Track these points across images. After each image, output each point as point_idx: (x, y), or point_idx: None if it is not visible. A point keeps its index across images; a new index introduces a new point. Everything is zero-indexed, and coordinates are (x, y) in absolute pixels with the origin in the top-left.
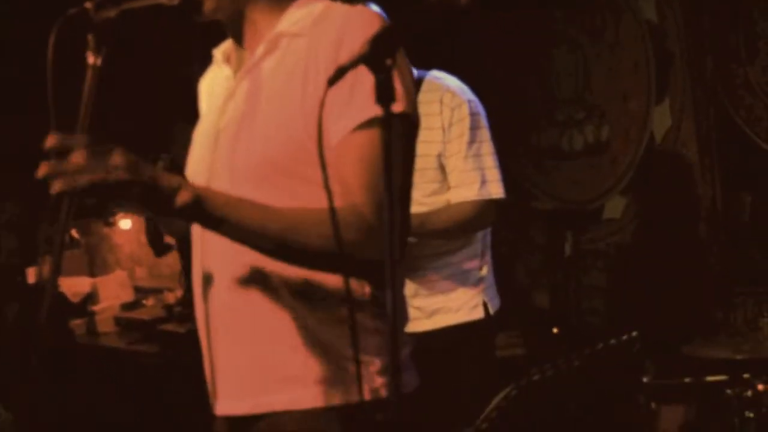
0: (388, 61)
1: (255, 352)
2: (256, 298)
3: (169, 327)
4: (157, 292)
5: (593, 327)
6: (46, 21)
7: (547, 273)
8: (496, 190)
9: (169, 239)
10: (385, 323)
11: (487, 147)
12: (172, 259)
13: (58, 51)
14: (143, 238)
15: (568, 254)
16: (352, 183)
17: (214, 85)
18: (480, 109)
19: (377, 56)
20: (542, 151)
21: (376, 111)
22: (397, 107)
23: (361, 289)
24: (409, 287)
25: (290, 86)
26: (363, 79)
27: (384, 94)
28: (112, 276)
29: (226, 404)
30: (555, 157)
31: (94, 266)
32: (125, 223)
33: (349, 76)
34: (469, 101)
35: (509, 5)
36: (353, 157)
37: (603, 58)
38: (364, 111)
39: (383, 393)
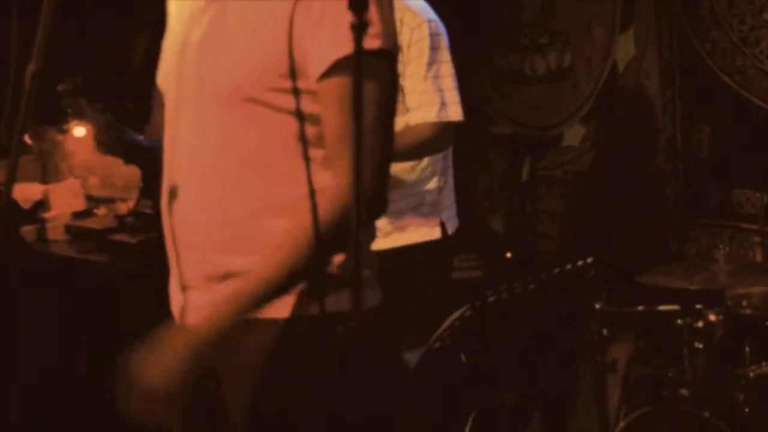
0: None
1: (215, 265)
2: (219, 215)
3: (121, 237)
4: (109, 201)
5: (547, 253)
6: None
7: (504, 197)
8: (455, 112)
9: None
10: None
11: (446, 68)
12: (126, 169)
13: None
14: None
15: (524, 179)
16: (334, 133)
17: None
18: (441, 29)
19: None
20: (503, 75)
21: (373, 44)
22: (375, 43)
23: None
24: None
25: (264, 7)
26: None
27: (358, 2)
28: (65, 184)
29: (192, 315)
30: (516, 82)
31: (47, 173)
32: (79, 130)
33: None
34: (430, 21)
35: None
36: (336, 100)
37: None
38: (345, 45)
39: (343, 306)
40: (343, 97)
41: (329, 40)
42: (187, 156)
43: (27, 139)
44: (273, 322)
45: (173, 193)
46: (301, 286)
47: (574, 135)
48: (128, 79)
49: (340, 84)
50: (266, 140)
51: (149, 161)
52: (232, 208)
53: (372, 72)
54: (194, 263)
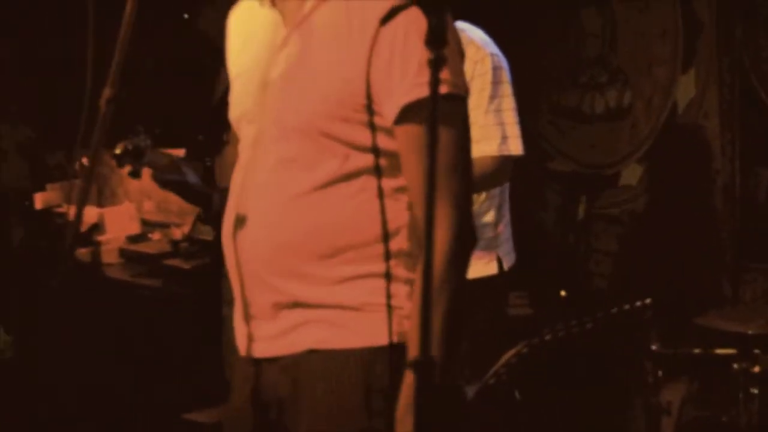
0: (442, 4)
1: (287, 294)
2: (294, 243)
3: (175, 262)
4: (164, 226)
5: (601, 292)
6: None
7: (559, 235)
8: (515, 146)
9: None
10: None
11: (508, 102)
12: None
13: None
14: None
15: (581, 218)
16: (416, 178)
17: (251, 26)
18: (503, 63)
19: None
20: (563, 112)
21: (443, 89)
22: (444, 89)
23: (399, 244)
24: None
25: (344, 38)
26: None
27: (436, 37)
28: (120, 207)
29: (259, 346)
30: (575, 119)
31: (103, 196)
32: None
33: (405, 27)
34: (493, 55)
35: None
36: (413, 146)
37: (631, 22)
38: (414, 89)
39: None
40: (420, 142)
41: (400, 83)
42: (262, 187)
43: (84, 161)
44: (346, 352)
45: (240, 222)
46: (370, 316)
47: (631, 174)
48: (203, 113)
49: (416, 129)
50: (341, 174)
51: (203, 202)
52: (303, 239)
53: (446, 116)
54: (260, 292)
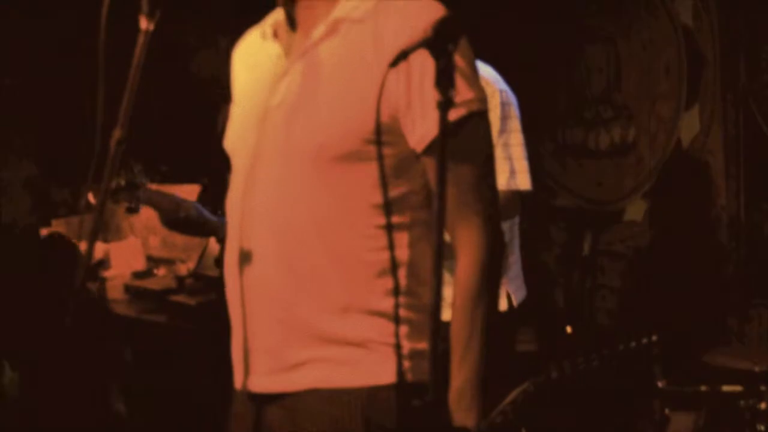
0: (450, 47)
1: (291, 330)
2: (300, 277)
3: (180, 298)
4: (169, 262)
5: (607, 328)
6: None
7: (564, 271)
8: (523, 181)
9: None
10: (417, 313)
11: (516, 138)
12: None
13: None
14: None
15: (586, 253)
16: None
17: (255, 58)
18: (512, 99)
19: (440, 41)
20: (567, 148)
21: (459, 112)
22: (461, 112)
23: (402, 281)
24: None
25: (353, 72)
26: (422, 66)
27: (443, 80)
28: (125, 243)
29: (257, 381)
30: (580, 155)
31: (108, 232)
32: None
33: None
34: (501, 90)
35: None
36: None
37: (635, 58)
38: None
39: (410, 377)
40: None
41: (422, 116)
42: (264, 218)
43: (90, 197)
44: (348, 391)
45: (245, 257)
46: (373, 354)
47: (636, 210)
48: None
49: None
50: (348, 202)
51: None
52: (311, 270)
53: (469, 137)
54: (264, 327)
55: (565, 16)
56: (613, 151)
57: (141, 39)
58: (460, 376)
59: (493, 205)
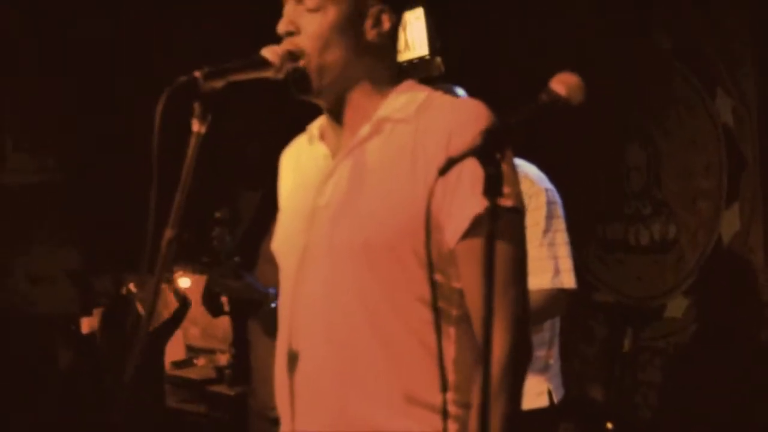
0: (498, 156)
1: (342, 426)
2: (351, 372)
3: (219, 389)
4: (209, 352)
5: (648, 425)
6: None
7: (604, 366)
8: (568, 280)
9: (224, 300)
10: (464, 409)
11: (561, 236)
12: (226, 321)
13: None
14: (200, 298)
15: (626, 349)
16: (477, 293)
17: (303, 160)
18: (557, 198)
19: (488, 150)
20: (607, 244)
21: (484, 205)
22: (509, 201)
23: (451, 377)
24: None
25: (397, 171)
26: (473, 173)
27: (493, 187)
28: None
29: None
30: (620, 251)
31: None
32: (184, 281)
33: (460, 170)
34: (547, 190)
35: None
36: (476, 265)
37: (675, 156)
38: (475, 206)
39: None
40: (480, 256)
41: (467, 201)
42: (314, 317)
43: (131, 287)
44: None
45: (294, 358)
46: None
47: (677, 307)
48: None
49: (476, 243)
50: (396, 296)
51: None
52: (362, 365)
53: (507, 230)
54: (315, 424)
55: (605, 115)
56: (653, 248)
57: (193, 141)
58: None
59: (521, 305)
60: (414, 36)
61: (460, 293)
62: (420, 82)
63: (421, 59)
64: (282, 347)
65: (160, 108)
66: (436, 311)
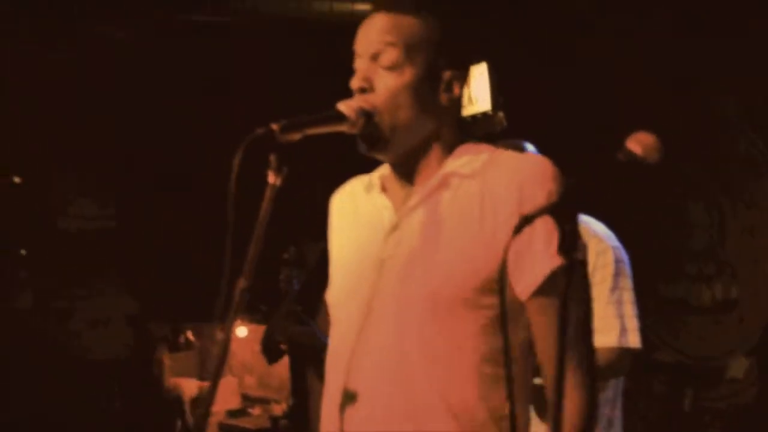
0: (573, 213)
1: None
2: (409, 420)
3: None
4: (264, 402)
5: None
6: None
7: (665, 427)
8: (634, 339)
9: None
10: None
11: (628, 295)
12: (282, 370)
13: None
14: (257, 347)
15: (687, 409)
16: (550, 349)
17: (362, 208)
18: (624, 256)
19: (564, 208)
20: (669, 303)
21: (559, 261)
22: (580, 254)
23: None
24: (539, 428)
25: (467, 226)
26: (546, 229)
27: (568, 244)
28: (222, 381)
29: None
30: (681, 310)
31: (205, 370)
32: (241, 330)
33: (533, 226)
34: (614, 247)
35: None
36: (548, 321)
37: (739, 217)
38: (550, 262)
39: None
40: (553, 312)
41: (541, 258)
42: (376, 365)
43: (189, 335)
44: None
45: (350, 398)
46: None
47: (738, 367)
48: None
49: (552, 301)
50: (457, 349)
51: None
52: (421, 413)
53: (578, 285)
54: None
55: (669, 174)
56: (715, 308)
57: (268, 193)
58: None
59: (589, 362)
60: (477, 91)
61: (523, 346)
62: (483, 138)
63: (484, 114)
64: (334, 387)
65: (237, 159)
66: (494, 365)
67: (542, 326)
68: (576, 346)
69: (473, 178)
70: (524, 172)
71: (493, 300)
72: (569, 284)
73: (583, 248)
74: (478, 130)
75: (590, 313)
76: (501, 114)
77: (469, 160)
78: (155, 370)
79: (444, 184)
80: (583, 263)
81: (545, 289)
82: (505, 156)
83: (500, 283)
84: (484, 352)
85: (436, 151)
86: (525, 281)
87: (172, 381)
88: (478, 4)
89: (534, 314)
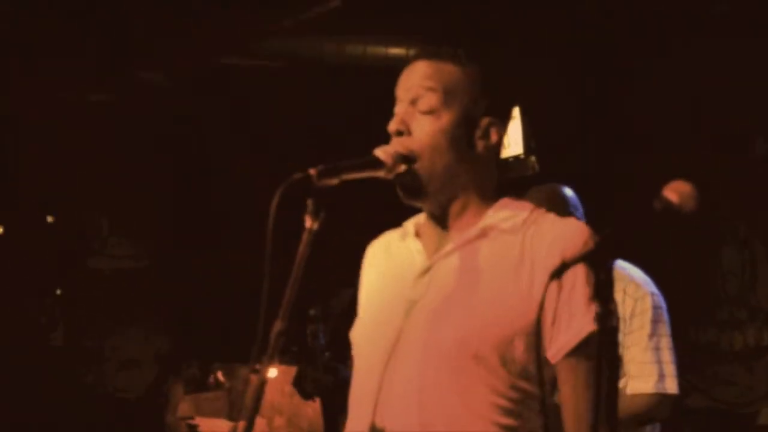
0: (608, 262)
1: None
2: None
3: None
4: None
5: None
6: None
7: None
8: (671, 385)
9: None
10: None
11: (666, 341)
12: (312, 412)
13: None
14: (287, 388)
15: None
16: (576, 410)
17: (394, 252)
18: (662, 302)
19: (600, 255)
20: (700, 348)
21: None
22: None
23: None
24: None
25: (504, 277)
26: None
27: (603, 292)
28: None
29: None
30: (713, 356)
31: (234, 410)
32: (272, 371)
33: (573, 281)
34: (653, 294)
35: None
36: (578, 382)
37: None
38: (585, 326)
39: None
40: (585, 374)
41: (580, 318)
42: (407, 399)
43: (219, 376)
44: None
45: (380, 431)
46: None
47: None
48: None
49: (582, 363)
50: (476, 400)
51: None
52: None
53: (609, 343)
54: None
55: (700, 218)
56: (747, 354)
57: (305, 237)
58: None
59: (615, 417)
60: (510, 135)
61: (535, 401)
62: (516, 181)
63: (516, 158)
64: (360, 424)
65: (274, 204)
66: (510, 416)
67: (569, 388)
68: (605, 408)
69: (514, 233)
70: (564, 229)
71: (521, 354)
72: (602, 346)
73: (616, 309)
74: (511, 174)
75: (617, 373)
76: (533, 158)
77: (511, 215)
78: (161, 400)
79: (484, 234)
80: (615, 329)
81: (579, 351)
82: (548, 218)
83: (535, 336)
84: (503, 405)
85: (474, 200)
86: (561, 341)
87: (170, 418)
88: (518, 53)
89: (563, 376)
